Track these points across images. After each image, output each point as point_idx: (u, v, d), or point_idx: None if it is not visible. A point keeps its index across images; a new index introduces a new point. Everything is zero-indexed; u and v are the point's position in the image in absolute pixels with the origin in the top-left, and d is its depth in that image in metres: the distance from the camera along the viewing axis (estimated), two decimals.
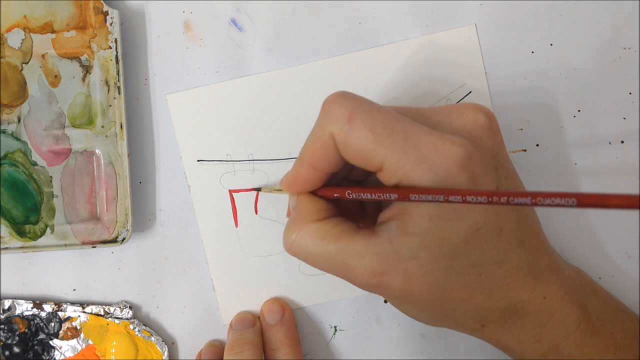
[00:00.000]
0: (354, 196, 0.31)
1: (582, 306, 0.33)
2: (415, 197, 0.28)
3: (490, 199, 0.26)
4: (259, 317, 0.40)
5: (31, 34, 0.37)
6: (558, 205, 0.25)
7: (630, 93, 0.40)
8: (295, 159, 0.39)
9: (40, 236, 0.38)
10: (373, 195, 0.30)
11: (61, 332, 0.39)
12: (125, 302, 0.40)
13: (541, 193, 0.25)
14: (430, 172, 0.28)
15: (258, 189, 0.39)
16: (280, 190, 0.36)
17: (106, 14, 0.37)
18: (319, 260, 0.31)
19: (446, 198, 0.27)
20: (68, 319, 0.39)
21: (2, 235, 0.38)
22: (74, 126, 0.38)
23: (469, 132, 0.31)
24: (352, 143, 0.29)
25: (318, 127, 0.31)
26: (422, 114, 0.31)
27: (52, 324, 0.39)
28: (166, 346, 0.39)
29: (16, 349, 0.39)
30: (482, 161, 0.29)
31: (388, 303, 0.40)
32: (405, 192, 0.28)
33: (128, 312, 0.39)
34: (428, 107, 0.32)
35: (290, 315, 0.39)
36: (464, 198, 0.27)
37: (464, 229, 0.29)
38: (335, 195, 0.32)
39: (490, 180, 0.30)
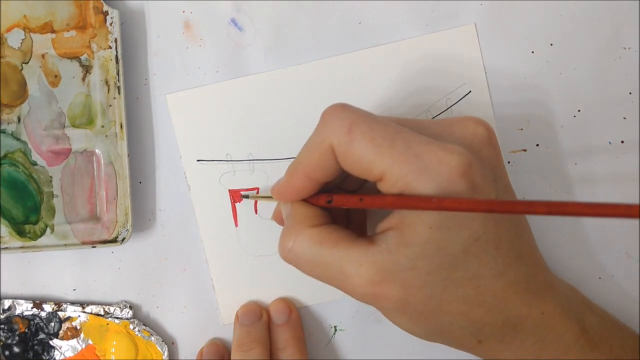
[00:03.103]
0: (364, 202, 0.31)
1: (580, 322, 0.33)
2: (417, 206, 0.28)
3: (501, 209, 0.27)
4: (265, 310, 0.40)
5: (31, 33, 0.37)
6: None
7: (630, 93, 0.40)
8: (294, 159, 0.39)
9: (40, 236, 0.38)
10: (373, 204, 0.30)
11: (61, 332, 0.39)
12: (125, 302, 0.40)
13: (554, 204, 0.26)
14: (433, 181, 0.28)
15: (246, 196, 0.39)
16: (270, 197, 0.36)
17: (106, 13, 0.37)
18: (316, 267, 0.31)
19: (452, 206, 0.27)
20: (68, 318, 0.39)
21: (2, 235, 0.38)
22: (74, 126, 0.38)
23: (468, 143, 0.31)
24: (353, 154, 0.29)
25: (316, 138, 0.31)
26: (423, 126, 0.31)
27: (52, 323, 0.39)
28: (166, 346, 0.39)
29: (16, 349, 0.39)
30: (482, 172, 0.29)
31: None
32: (408, 201, 0.28)
33: (128, 312, 0.39)
34: (428, 119, 0.32)
35: (296, 315, 0.39)
36: (471, 207, 0.27)
37: (464, 239, 0.29)
38: (328, 203, 0.32)
39: (489, 190, 0.30)
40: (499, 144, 0.32)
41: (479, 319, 0.30)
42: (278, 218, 0.37)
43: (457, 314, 0.30)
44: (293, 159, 0.39)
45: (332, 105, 0.30)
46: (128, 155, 0.38)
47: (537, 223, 0.40)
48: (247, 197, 0.39)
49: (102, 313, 0.39)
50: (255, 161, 0.39)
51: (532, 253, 0.32)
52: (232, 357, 0.38)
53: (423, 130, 0.31)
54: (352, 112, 0.30)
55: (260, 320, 0.39)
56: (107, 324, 0.39)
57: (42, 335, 0.39)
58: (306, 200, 0.33)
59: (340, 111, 0.30)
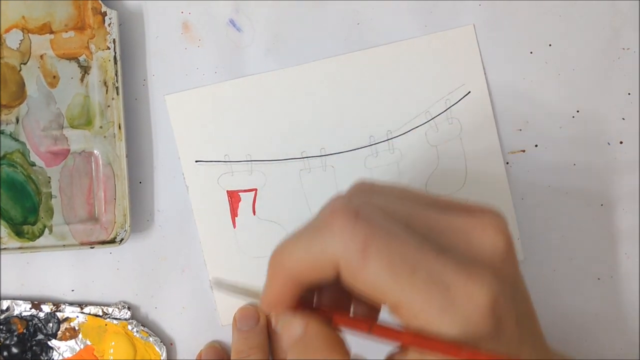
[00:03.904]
0: (374, 333, 0.27)
1: None
2: (443, 351, 0.25)
3: None
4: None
5: (29, 34, 0.37)
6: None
7: (629, 93, 0.39)
8: (294, 159, 0.39)
9: (39, 237, 0.38)
10: (386, 335, 0.27)
11: (59, 332, 0.39)
12: (124, 302, 0.40)
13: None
14: (459, 320, 0.25)
15: (214, 286, 0.38)
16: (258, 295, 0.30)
17: (104, 14, 0.37)
18: None
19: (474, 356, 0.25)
20: (66, 319, 0.39)
21: (0, 235, 0.38)
22: (73, 127, 0.38)
23: (489, 258, 0.27)
24: (365, 278, 0.25)
25: (318, 245, 0.26)
26: (435, 228, 0.27)
27: (51, 324, 0.39)
28: (164, 347, 0.39)
29: (14, 350, 0.39)
30: (504, 299, 0.26)
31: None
32: (432, 344, 0.25)
33: (126, 313, 0.39)
34: (441, 215, 0.27)
35: None
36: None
37: None
38: (353, 328, 0.28)
39: (511, 325, 0.26)
40: (516, 252, 0.29)
41: None
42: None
43: None
44: (291, 159, 0.39)
45: (342, 210, 0.26)
46: (126, 156, 0.38)
47: (538, 223, 0.40)
48: (219, 285, 0.33)
49: (101, 314, 0.39)
50: (253, 162, 0.39)
51: None
52: None
53: (437, 234, 0.27)
54: (366, 224, 0.25)
55: (257, 324, 0.38)
56: (106, 325, 0.39)
57: (40, 336, 0.39)
58: (316, 311, 0.28)
59: (353, 222, 0.25)
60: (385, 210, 0.26)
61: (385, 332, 0.26)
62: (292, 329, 0.28)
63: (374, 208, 0.26)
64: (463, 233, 0.27)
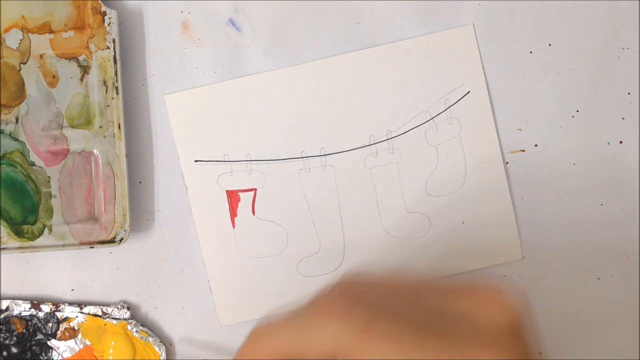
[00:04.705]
0: None
1: None
2: None
3: None
4: None
5: (29, 34, 0.37)
6: None
7: (629, 93, 0.39)
8: (294, 159, 0.39)
9: (38, 236, 0.38)
10: None
11: (59, 332, 0.39)
12: (123, 302, 0.40)
13: None
14: None
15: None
16: None
17: (104, 14, 0.38)
18: None
19: None
20: (66, 319, 0.39)
21: (0, 235, 0.38)
22: (72, 126, 0.38)
23: (495, 337, 0.27)
24: None
25: (313, 327, 0.25)
26: (436, 314, 0.27)
27: (50, 324, 0.39)
28: (164, 347, 0.39)
29: (14, 350, 0.39)
30: None
31: None
32: None
33: (126, 313, 0.39)
34: (440, 301, 0.27)
35: None
36: None
37: None
38: None
39: None
40: (526, 327, 0.28)
41: None
42: None
43: None
44: (291, 159, 0.39)
45: (340, 295, 0.25)
46: (126, 156, 0.38)
47: (538, 223, 0.40)
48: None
49: (100, 313, 0.39)
50: (252, 162, 0.39)
51: None
52: None
53: (439, 320, 0.27)
54: (369, 306, 0.25)
55: None
56: (105, 325, 0.39)
57: (40, 336, 0.39)
58: None
59: (355, 305, 0.25)
60: (383, 301, 0.25)
61: None
62: None
63: (374, 295, 0.26)
64: (466, 314, 0.26)
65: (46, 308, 0.39)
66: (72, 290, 0.40)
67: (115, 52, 0.38)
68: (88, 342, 0.39)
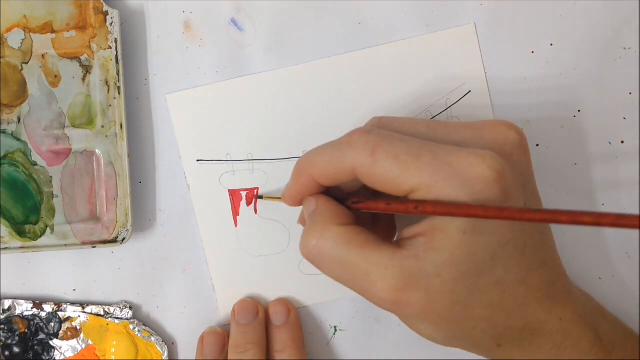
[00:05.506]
0: (385, 209, 0.30)
1: (594, 329, 0.32)
2: (450, 212, 0.27)
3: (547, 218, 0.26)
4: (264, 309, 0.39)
5: (31, 34, 0.37)
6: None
7: (630, 93, 0.40)
8: (295, 158, 0.39)
9: (40, 236, 0.38)
10: (401, 209, 0.29)
11: (61, 332, 0.39)
12: (125, 302, 0.40)
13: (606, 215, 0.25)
14: (466, 186, 0.28)
15: (260, 197, 0.39)
16: (280, 198, 0.36)
17: (106, 14, 0.38)
18: (340, 267, 0.30)
19: (492, 214, 0.27)
20: (68, 319, 0.39)
21: (2, 235, 0.38)
22: (74, 126, 0.38)
23: (500, 147, 0.30)
24: (378, 174, 0.29)
25: (337, 155, 0.30)
26: (452, 128, 0.31)
27: (52, 324, 0.39)
28: (166, 346, 0.39)
29: (16, 349, 0.39)
30: (513, 177, 0.29)
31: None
32: (446, 208, 0.28)
33: (128, 312, 0.39)
34: (458, 122, 0.32)
35: (295, 316, 0.39)
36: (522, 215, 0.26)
37: (493, 244, 0.29)
38: (354, 204, 0.32)
39: (519, 195, 0.29)
40: (529, 148, 0.32)
41: (501, 323, 0.30)
42: (303, 220, 0.36)
43: (480, 319, 0.30)
44: (293, 159, 0.39)
45: (359, 128, 0.30)
46: (128, 156, 0.38)
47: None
48: (261, 197, 0.39)
49: (102, 313, 0.39)
50: (255, 161, 0.39)
51: (554, 259, 0.32)
52: (228, 357, 0.38)
53: (454, 133, 0.31)
54: (377, 135, 0.30)
55: (256, 318, 0.39)
56: (107, 324, 0.39)
57: (42, 336, 0.39)
58: (333, 197, 0.32)
59: (366, 135, 0.30)
60: (397, 130, 0.31)
61: (400, 205, 0.29)
62: (309, 206, 0.32)
63: (388, 129, 0.31)
64: (476, 130, 0.31)
65: (48, 308, 0.39)
66: (74, 290, 0.40)
67: (117, 52, 0.38)
68: (90, 342, 0.39)
